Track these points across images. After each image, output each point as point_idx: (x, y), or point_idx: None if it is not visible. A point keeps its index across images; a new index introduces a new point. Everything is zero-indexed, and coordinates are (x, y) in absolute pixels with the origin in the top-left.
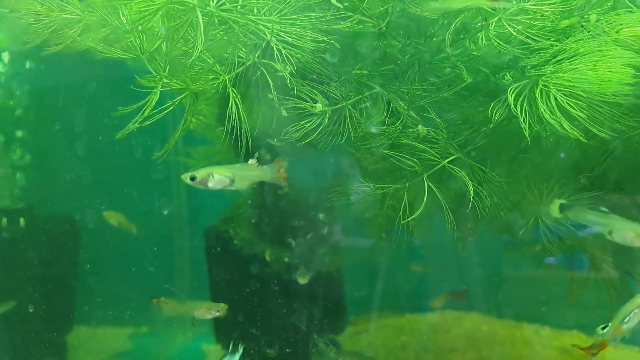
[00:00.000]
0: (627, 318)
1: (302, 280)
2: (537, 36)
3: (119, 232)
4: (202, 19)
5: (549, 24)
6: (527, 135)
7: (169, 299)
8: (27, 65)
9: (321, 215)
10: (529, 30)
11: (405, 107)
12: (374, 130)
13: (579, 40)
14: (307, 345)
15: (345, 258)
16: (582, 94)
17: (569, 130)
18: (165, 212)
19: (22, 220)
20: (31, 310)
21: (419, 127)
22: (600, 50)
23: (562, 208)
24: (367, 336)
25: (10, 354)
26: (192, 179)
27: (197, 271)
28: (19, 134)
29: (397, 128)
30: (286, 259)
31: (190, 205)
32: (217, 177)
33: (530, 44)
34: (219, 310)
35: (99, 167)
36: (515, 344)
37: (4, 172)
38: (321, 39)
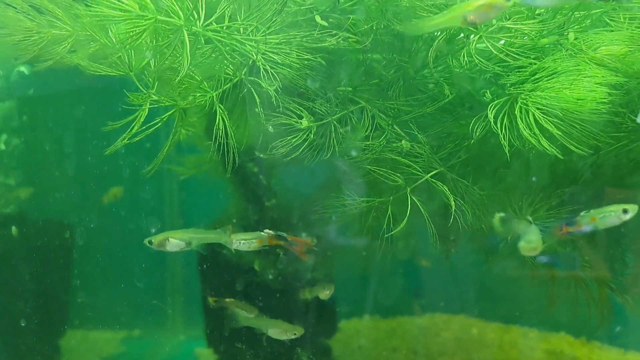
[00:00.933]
0: (603, 214)
1: (325, 295)
2: (517, 54)
3: (113, 235)
4: (189, 38)
5: (529, 42)
6: (506, 152)
7: (246, 304)
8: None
9: (309, 225)
10: (509, 48)
11: (389, 122)
12: (353, 152)
13: (557, 58)
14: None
15: (335, 264)
16: (559, 112)
17: (547, 147)
18: (153, 230)
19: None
20: (22, 315)
21: (403, 142)
22: (577, 69)
23: (501, 221)
24: (357, 339)
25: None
26: (150, 243)
27: (187, 278)
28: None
29: (381, 143)
30: (274, 269)
31: (181, 213)
32: (173, 241)
33: (509, 62)
34: (295, 333)
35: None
36: (504, 347)
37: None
38: (307, 56)
